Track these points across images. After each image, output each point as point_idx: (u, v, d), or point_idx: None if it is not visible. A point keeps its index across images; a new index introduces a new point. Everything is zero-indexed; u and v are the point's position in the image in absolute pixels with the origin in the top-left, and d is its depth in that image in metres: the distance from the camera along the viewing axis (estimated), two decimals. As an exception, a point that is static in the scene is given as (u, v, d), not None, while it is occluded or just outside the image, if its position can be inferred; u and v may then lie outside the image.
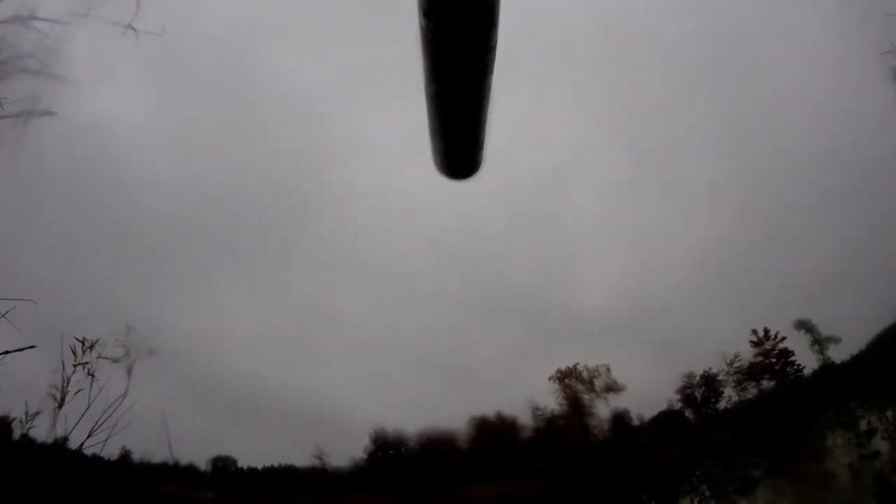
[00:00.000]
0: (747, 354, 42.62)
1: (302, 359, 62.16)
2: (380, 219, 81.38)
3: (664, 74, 77.65)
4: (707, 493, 28.04)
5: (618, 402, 45.21)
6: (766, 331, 42.42)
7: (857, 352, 37.22)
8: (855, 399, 28.79)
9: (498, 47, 0.98)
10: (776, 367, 41.47)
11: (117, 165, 61.45)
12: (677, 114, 78.90)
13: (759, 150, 63.21)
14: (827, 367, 39.05)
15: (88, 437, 4.57)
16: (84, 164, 54.27)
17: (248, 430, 49.11)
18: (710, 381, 43.53)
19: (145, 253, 58.34)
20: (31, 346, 4.43)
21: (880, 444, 21.92)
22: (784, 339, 41.89)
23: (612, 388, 45.17)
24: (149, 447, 36.45)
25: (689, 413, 44.28)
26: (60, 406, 4.65)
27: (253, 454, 46.27)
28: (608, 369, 45.62)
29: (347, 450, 46.68)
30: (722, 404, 42.72)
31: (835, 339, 39.73)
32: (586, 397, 45.27)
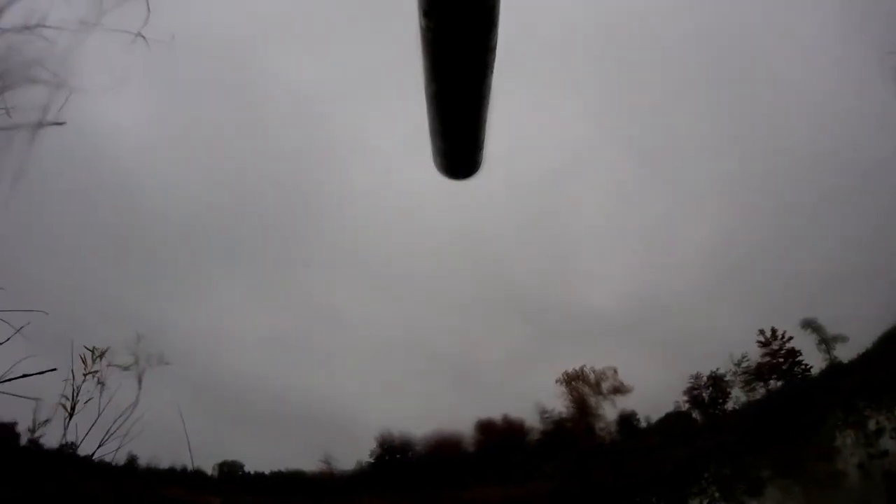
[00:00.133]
0: (754, 354, 42.51)
1: (307, 362, 62.35)
2: (384, 219, 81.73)
3: (664, 74, 77.72)
4: (716, 495, 27.88)
5: (625, 403, 45.11)
6: (774, 330, 42.23)
7: (864, 350, 37.00)
8: (863, 398, 28.62)
9: (498, 47, 0.98)
10: (784, 367, 41.24)
11: (119, 170, 61.85)
12: (678, 114, 79.02)
13: (760, 150, 63.17)
14: (834, 367, 38.80)
15: (100, 446, 4.58)
16: (88, 171, 54.70)
17: (254, 435, 49.20)
18: (717, 381, 43.34)
19: (151, 259, 58.72)
20: (52, 370, 4.46)
21: (889, 443, 21.76)
22: (791, 338, 41.74)
23: (619, 389, 45.04)
24: (157, 453, 36.62)
25: (696, 414, 44.13)
26: (71, 415, 4.67)
27: (260, 458, 46.33)
28: (615, 371, 45.50)
29: (354, 453, 46.73)
30: (730, 405, 42.61)
31: (842, 338, 39.50)
32: (593, 399, 45.14)
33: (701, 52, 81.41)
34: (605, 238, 74.24)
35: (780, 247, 54.87)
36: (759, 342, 42.39)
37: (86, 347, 4.98)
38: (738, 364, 42.51)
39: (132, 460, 35.75)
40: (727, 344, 43.64)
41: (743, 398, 42.15)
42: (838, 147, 51.15)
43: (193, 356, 45.22)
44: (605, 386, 45.29)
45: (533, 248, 79.98)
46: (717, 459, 32.06)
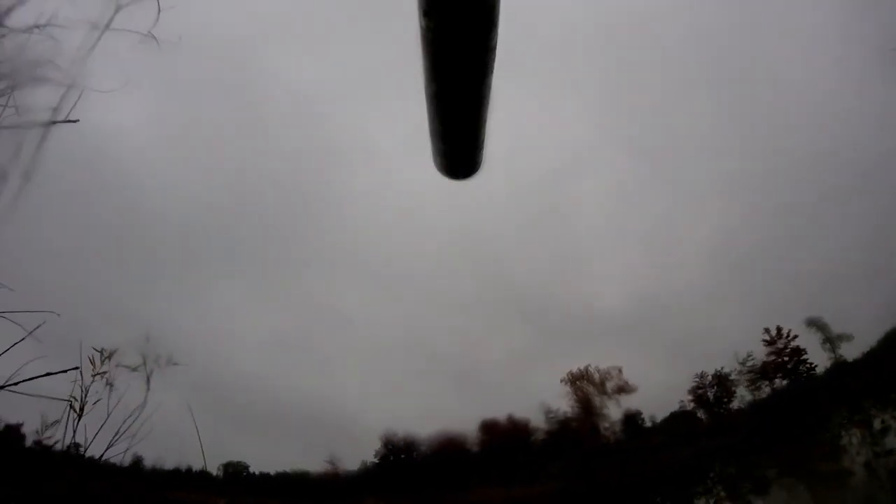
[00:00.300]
0: (759, 353, 42.32)
1: (308, 362, 62.43)
2: (384, 219, 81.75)
3: (664, 74, 77.59)
4: (722, 494, 27.78)
5: (630, 403, 44.99)
6: (779, 329, 42.04)
7: (869, 349, 36.83)
8: (868, 397, 28.48)
9: (498, 47, 0.98)
10: (789, 366, 41.05)
11: (121, 170, 62.05)
12: (678, 114, 78.88)
13: (760, 150, 63.04)
14: (839, 365, 38.59)
15: (108, 448, 4.59)
16: (91, 172, 54.86)
17: (259, 436, 49.29)
18: (722, 380, 43.17)
19: (153, 260, 58.87)
20: (75, 368, 4.48)
21: (894, 442, 21.65)
22: (796, 337, 41.55)
23: (624, 389, 44.93)
24: (162, 454, 36.70)
25: (701, 414, 43.95)
26: (80, 417, 4.68)
27: (265, 459, 46.40)
28: (620, 371, 45.39)
29: (359, 454, 46.75)
30: (735, 404, 42.44)
31: (847, 337, 39.28)
32: (598, 399, 45.02)
33: (701, 52, 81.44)
34: (606, 238, 74.21)
35: (780, 246, 54.83)
36: (764, 341, 42.28)
37: (94, 349, 5.00)
38: (743, 363, 42.40)
39: (138, 461, 35.86)
40: (731, 343, 43.62)
41: (748, 397, 42.08)
42: (838, 147, 51.08)
43: (196, 357, 45.23)
44: (609, 385, 45.25)
45: (533, 248, 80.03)
46: (723, 459, 31.93)
